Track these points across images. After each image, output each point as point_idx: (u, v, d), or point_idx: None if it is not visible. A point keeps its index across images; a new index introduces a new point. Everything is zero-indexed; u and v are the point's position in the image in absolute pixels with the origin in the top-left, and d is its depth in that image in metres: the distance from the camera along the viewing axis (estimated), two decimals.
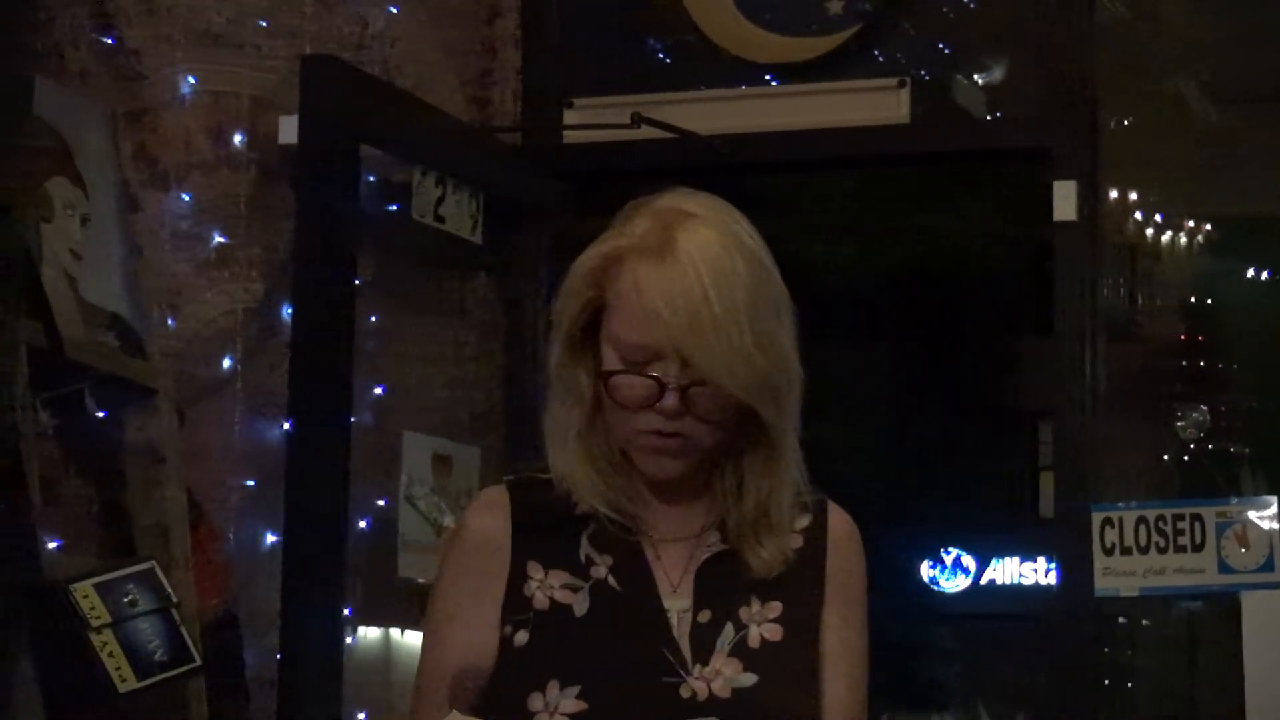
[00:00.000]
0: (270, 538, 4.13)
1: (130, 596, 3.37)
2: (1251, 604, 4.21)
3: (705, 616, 2.32)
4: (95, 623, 3.28)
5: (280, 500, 4.07)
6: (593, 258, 2.32)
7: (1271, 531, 4.24)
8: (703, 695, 2.27)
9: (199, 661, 3.48)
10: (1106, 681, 4.56)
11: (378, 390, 4.49)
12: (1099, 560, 4.33)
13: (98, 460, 3.67)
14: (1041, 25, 4.77)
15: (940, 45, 4.99)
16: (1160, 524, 4.31)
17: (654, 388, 2.27)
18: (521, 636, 2.31)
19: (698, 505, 2.37)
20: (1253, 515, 4.27)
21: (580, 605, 2.32)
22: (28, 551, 3.30)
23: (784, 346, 2.30)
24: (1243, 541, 4.25)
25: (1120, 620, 4.82)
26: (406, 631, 4.52)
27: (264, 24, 4.28)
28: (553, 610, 2.31)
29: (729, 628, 2.31)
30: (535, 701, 2.26)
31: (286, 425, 4.11)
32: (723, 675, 2.28)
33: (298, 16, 4.35)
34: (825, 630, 2.36)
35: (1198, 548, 4.29)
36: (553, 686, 2.25)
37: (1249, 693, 4.16)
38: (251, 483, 4.15)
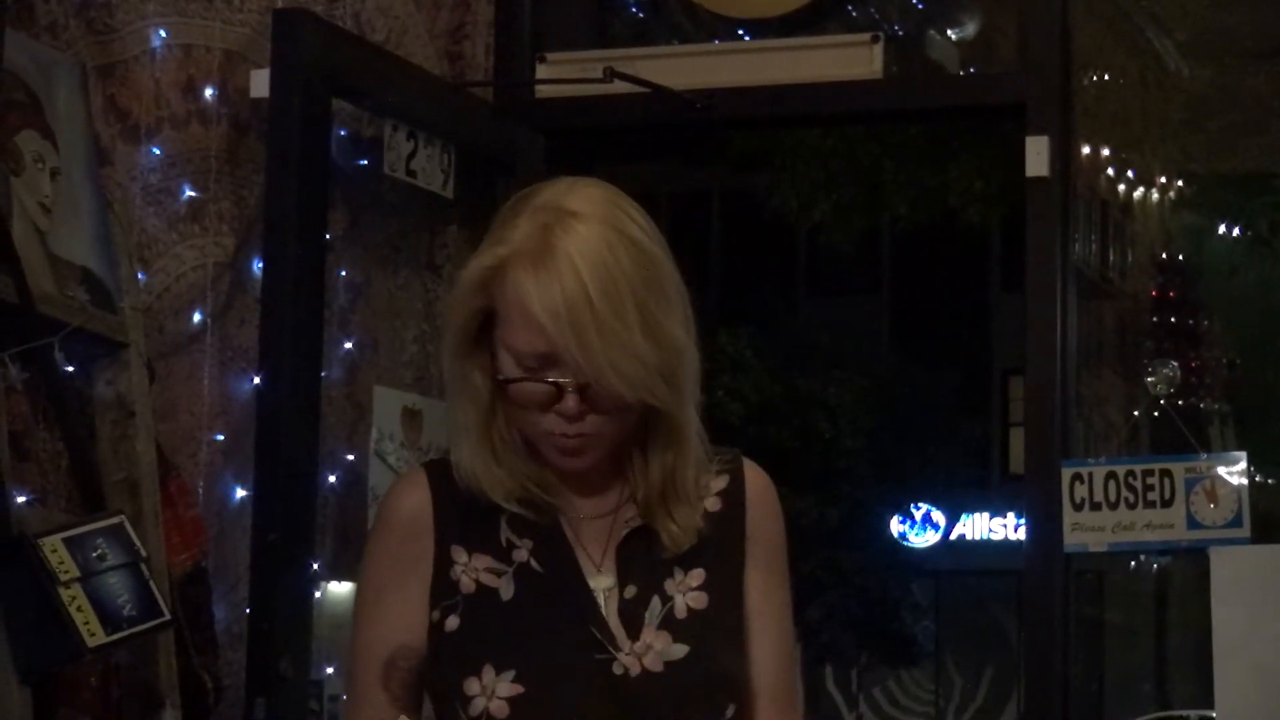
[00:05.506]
0: (240, 492, 4.13)
1: (99, 551, 3.35)
2: (1220, 559, 4.23)
3: (631, 592, 2.31)
4: (64, 577, 3.26)
5: (250, 455, 4.07)
6: (475, 270, 2.27)
7: (1240, 487, 4.25)
8: (635, 670, 2.26)
9: (168, 616, 3.47)
10: (1075, 636, 4.58)
11: (348, 345, 4.49)
12: (1068, 516, 4.35)
13: (67, 415, 3.65)
14: None
15: (914, 1, 4.98)
16: (1130, 479, 4.33)
17: (551, 391, 2.24)
18: (452, 621, 2.30)
19: (611, 484, 2.35)
20: (1222, 471, 4.28)
21: (506, 589, 2.30)
22: None
23: (675, 333, 2.25)
24: (1211, 497, 4.26)
25: (1089, 575, 4.84)
26: None
27: None
28: (480, 594, 2.30)
29: (655, 601, 2.31)
30: (472, 686, 2.25)
31: (257, 380, 4.10)
32: (654, 649, 2.28)
33: None
34: (748, 588, 2.36)
35: (1167, 503, 4.30)
36: (488, 671, 2.24)
37: (1216, 647, 4.18)
38: (221, 437, 4.14)
